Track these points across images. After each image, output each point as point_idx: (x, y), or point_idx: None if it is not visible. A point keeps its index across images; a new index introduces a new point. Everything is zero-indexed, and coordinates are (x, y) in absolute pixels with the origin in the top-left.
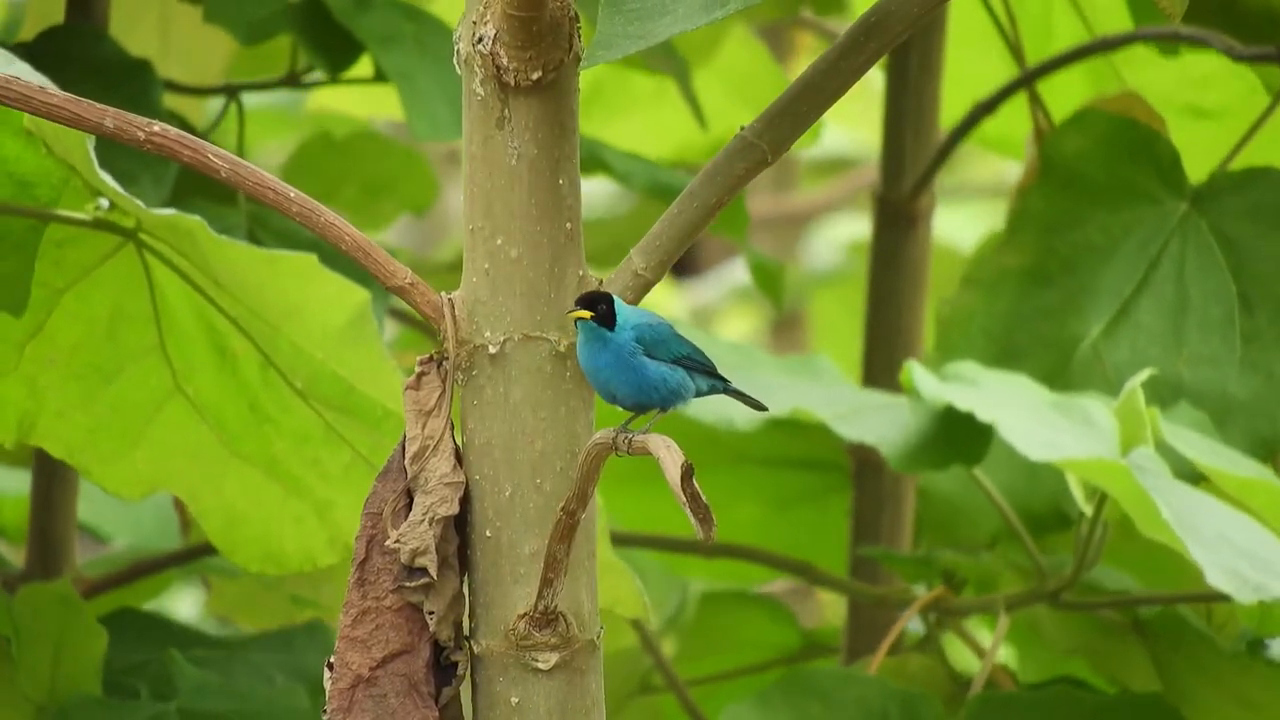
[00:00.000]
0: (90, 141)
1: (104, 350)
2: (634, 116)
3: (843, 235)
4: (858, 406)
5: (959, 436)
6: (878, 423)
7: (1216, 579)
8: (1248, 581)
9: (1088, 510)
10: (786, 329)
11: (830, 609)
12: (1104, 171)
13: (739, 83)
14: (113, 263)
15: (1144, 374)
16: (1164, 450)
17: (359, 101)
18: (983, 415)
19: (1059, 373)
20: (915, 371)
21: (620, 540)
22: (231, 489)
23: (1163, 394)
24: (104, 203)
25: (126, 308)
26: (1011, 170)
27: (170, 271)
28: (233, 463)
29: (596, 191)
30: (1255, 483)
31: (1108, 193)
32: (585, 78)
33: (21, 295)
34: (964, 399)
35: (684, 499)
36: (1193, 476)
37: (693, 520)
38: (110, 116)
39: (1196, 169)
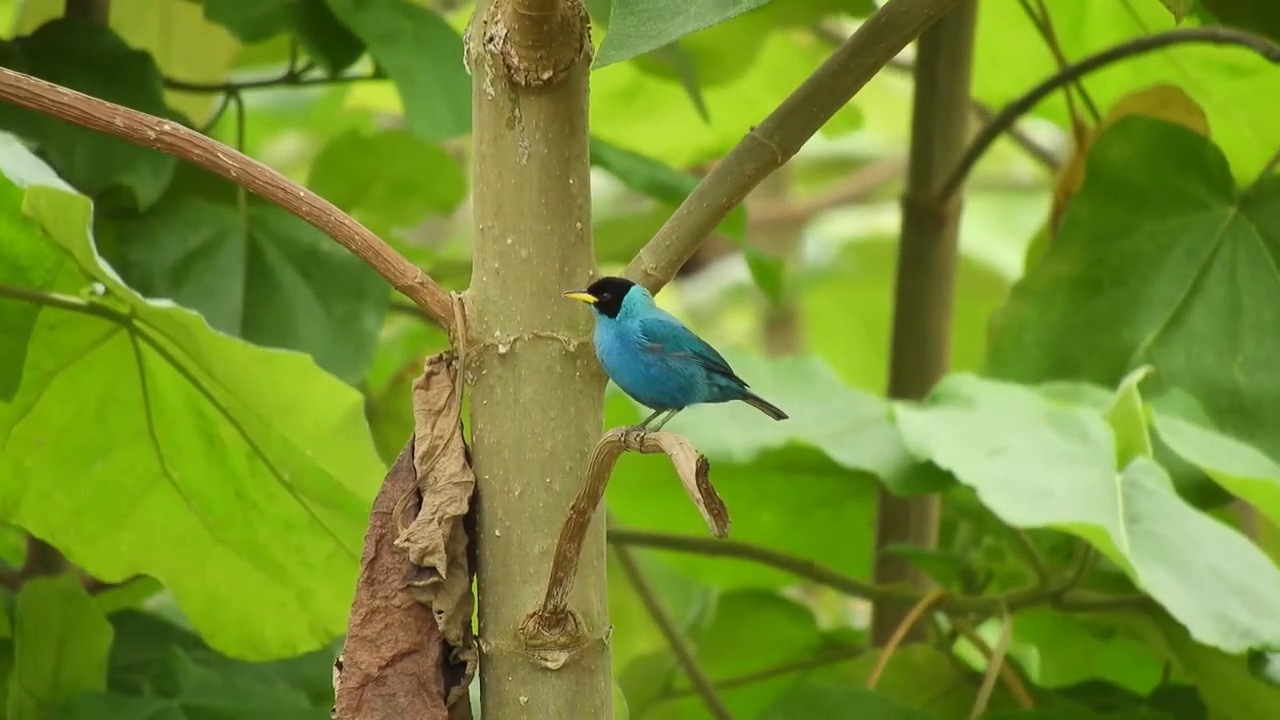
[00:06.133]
0: (89, 229)
1: (92, 433)
2: (674, 112)
3: (838, 233)
4: (852, 423)
5: None
6: (874, 443)
7: (1204, 632)
8: (1235, 627)
9: None
10: (781, 327)
11: (849, 611)
12: (1150, 179)
13: (777, 79)
14: (105, 347)
15: (1138, 374)
16: (1161, 453)
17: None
18: (963, 475)
19: (1113, 381)
20: (900, 414)
21: (640, 541)
22: (214, 574)
23: (1218, 399)
24: (99, 287)
25: (116, 392)
26: (1020, 170)
27: (162, 358)
28: (216, 548)
29: (619, 193)
30: (1254, 481)
31: (1155, 200)
32: (624, 76)
33: (13, 378)
34: (945, 453)
35: (698, 495)
36: (1192, 478)
37: (706, 517)
38: (120, 115)
39: (1240, 153)
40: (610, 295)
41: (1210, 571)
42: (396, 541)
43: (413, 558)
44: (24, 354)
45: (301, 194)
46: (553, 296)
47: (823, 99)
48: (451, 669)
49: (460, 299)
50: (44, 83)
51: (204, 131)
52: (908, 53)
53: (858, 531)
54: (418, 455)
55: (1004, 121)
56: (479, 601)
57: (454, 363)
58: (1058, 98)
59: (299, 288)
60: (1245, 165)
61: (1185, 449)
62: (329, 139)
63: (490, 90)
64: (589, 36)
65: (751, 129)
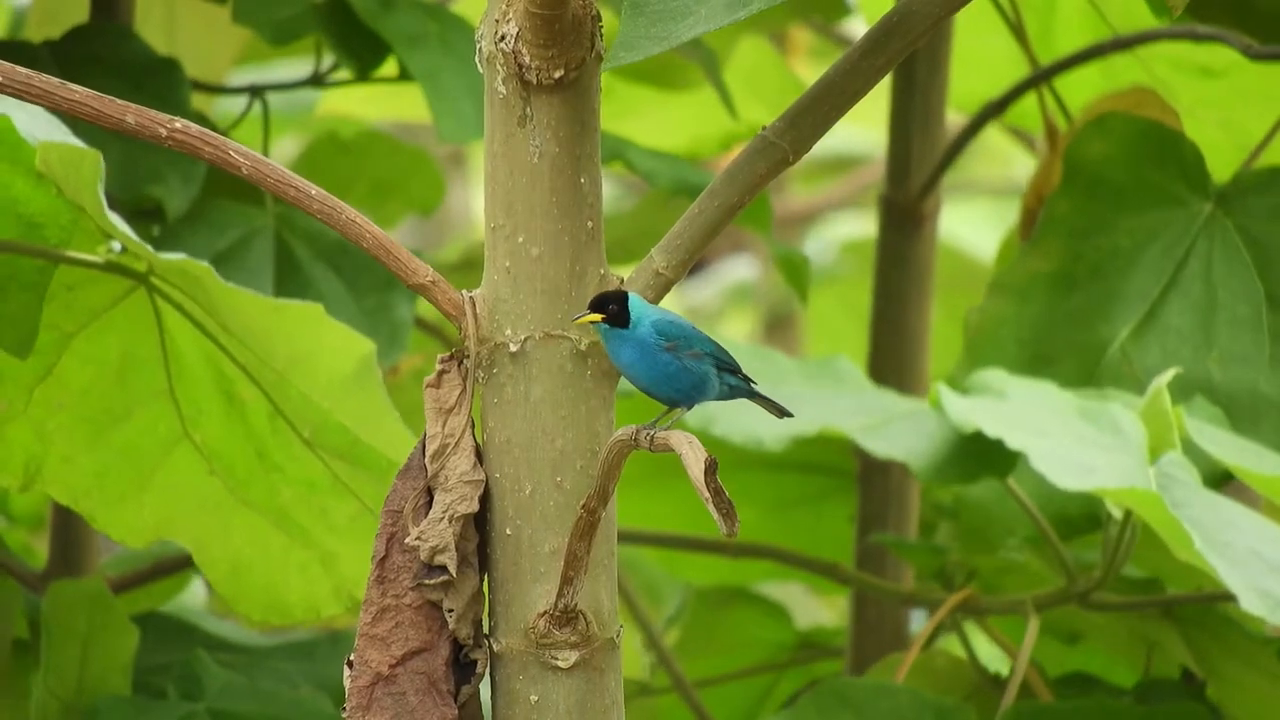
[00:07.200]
0: (100, 184)
1: (113, 394)
2: (647, 114)
3: (837, 235)
4: (884, 416)
5: (988, 448)
6: (905, 435)
7: (1250, 603)
8: None
9: (1118, 514)
10: (780, 329)
11: (825, 611)
12: (1128, 175)
13: (750, 79)
14: (123, 306)
15: (1169, 374)
16: (1189, 449)
17: (369, 103)
18: (1012, 442)
19: (1088, 377)
20: (943, 393)
21: (628, 538)
22: (237, 537)
23: (1194, 394)
24: (115, 245)
25: (136, 352)
26: (1017, 168)
27: (180, 316)
28: (239, 510)
29: (619, 192)
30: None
31: (1132, 196)
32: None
33: (28, 336)
34: (993, 424)
35: (707, 495)
36: (1219, 475)
37: (716, 516)
38: (132, 113)
39: (1210, 154)
40: (616, 307)
41: (1250, 552)
42: (407, 540)
43: (423, 556)
44: (39, 311)
45: (313, 192)
46: (564, 295)
47: (834, 99)
48: (462, 668)
49: (471, 297)
50: (55, 80)
51: (224, 132)
52: None
53: (836, 528)
54: (428, 454)
55: (980, 122)
56: (489, 600)
57: (465, 361)
58: (1030, 103)
59: (330, 282)
60: (1216, 167)
61: (1213, 449)
62: (310, 139)
63: (502, 89)
64: (600, 35)
65: (763, 128)
